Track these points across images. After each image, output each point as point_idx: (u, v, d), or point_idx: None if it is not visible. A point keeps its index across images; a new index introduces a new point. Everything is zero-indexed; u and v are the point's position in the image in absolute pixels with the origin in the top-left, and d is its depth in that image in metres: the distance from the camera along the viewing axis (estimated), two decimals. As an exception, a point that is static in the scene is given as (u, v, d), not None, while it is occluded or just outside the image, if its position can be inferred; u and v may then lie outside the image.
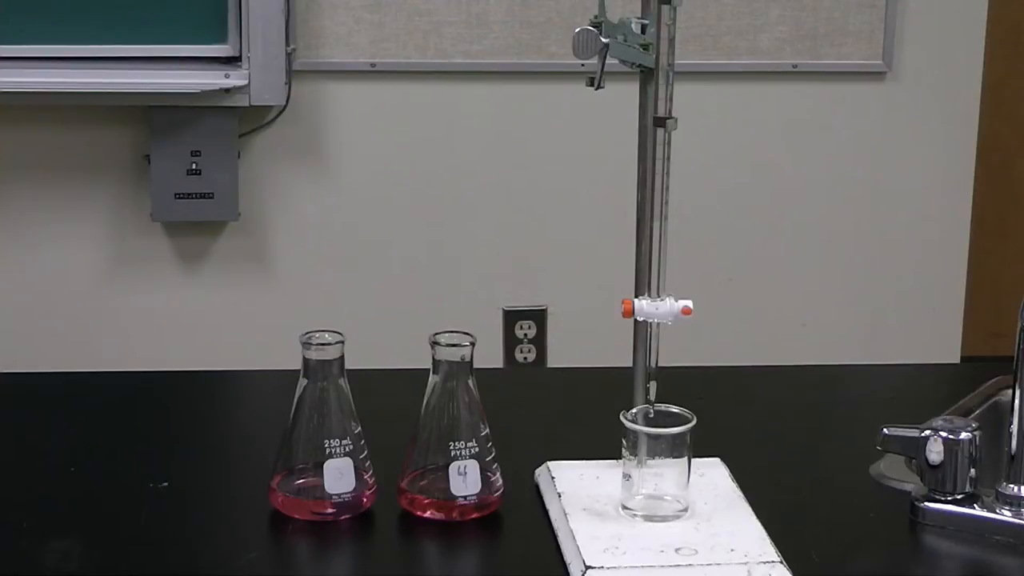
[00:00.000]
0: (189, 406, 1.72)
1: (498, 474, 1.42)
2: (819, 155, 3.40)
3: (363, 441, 1.41)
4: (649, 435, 1.39)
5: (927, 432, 1.42)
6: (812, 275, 3.46)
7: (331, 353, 1.40)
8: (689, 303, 1.42)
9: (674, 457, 1.39)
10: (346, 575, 1.40)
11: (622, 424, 1.39)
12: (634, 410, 1.41)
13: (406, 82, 3.29)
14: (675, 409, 1.40)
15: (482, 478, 1.40)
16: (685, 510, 1.39)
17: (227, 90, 3.18)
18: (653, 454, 1.39)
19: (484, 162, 3.35)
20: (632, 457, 1.39)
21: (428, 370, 1.41)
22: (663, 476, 1.39)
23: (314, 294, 3.34)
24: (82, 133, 3.29)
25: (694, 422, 1.39)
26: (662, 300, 1.43)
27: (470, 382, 1.41)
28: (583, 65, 1.44)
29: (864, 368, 1.81)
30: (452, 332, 1.42)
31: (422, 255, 3.37)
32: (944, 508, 1.42)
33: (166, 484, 1.47)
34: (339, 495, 1.39)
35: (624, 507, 1.39)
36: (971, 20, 3.46)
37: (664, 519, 1.38)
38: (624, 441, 1.40)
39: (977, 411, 1.66)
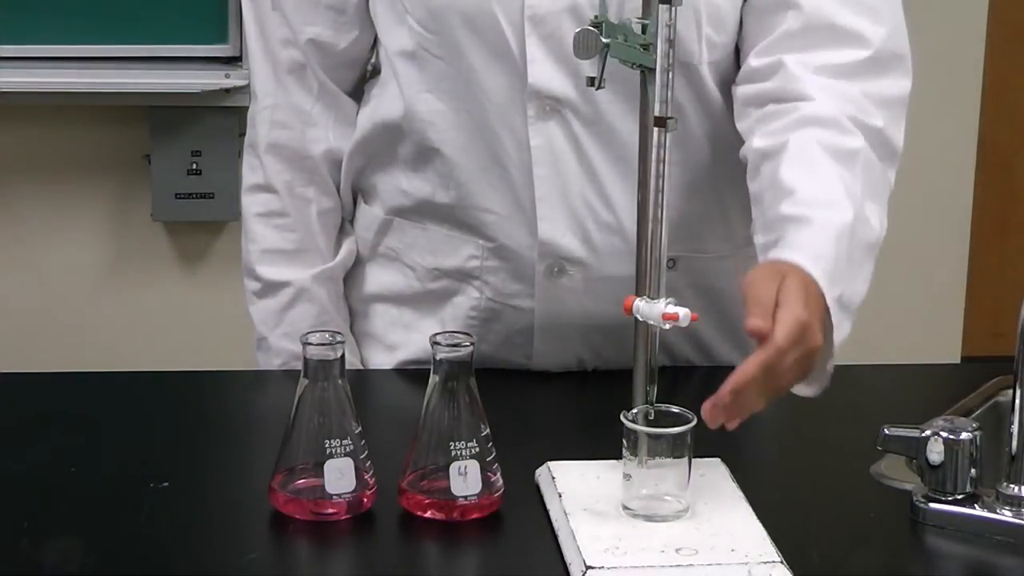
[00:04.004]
0: (189, 406, 1.72)
1: (498, 474, 1.42)
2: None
3: (363, 441, 1.41)
4: (649, 435, 1.39)
5: (927, 432, 1.42)
6: (812, 275, 3.45)
7: (331, 353, 1.40)
8: (679, 311, 1.41)
9: (674, 457, 1.39)
10: (346, 575, 1.40)
11: (622, 424, 1.39)
12: (634, 410, 1.41)
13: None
14: (675, 409, 1.40)
15: (482, 478, 1.40)
16: (685, 510, 1.39)
17: (227, 90, 3.18)
18: (653, 454, 1.39)
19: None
20: (632, 457, 1.39)
21: (428, 370, 1.41)
22: (663, 476, 1.39)
23: (314, 294, 3.34)
24: (82, 133, 3.29)
25: (694, 422, 1.39)
26: (657, 302, 1.43)
27: (470, 382, 1.41)
28: (583, 65, 1.44)
29: (864, 368, 1.81)
30: (452, 332, 1.42)
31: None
32: (944, 508, 1.42)
33: (166, 484, 1.47)
34: (339, 495, 1.39)
35: (624, 507, 1.39)
36: (971, 20, 3.46)
37: (664, 519, 1.38)
38: (625, 441, 1.40)
39: (977, 411, 1.66)
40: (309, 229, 1.79)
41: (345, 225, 1.82)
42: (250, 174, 1.81)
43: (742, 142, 1.68)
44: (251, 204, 1.81)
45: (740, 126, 1.65)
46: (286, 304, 1.79)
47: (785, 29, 1.62)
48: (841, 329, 1.48)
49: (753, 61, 1.64)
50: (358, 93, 1.80)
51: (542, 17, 1.62)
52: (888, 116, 1.62)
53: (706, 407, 1.35)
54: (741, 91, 1.65)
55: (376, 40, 1.77)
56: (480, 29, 1.63)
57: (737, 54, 1.68)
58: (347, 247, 1.81)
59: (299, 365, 1.41)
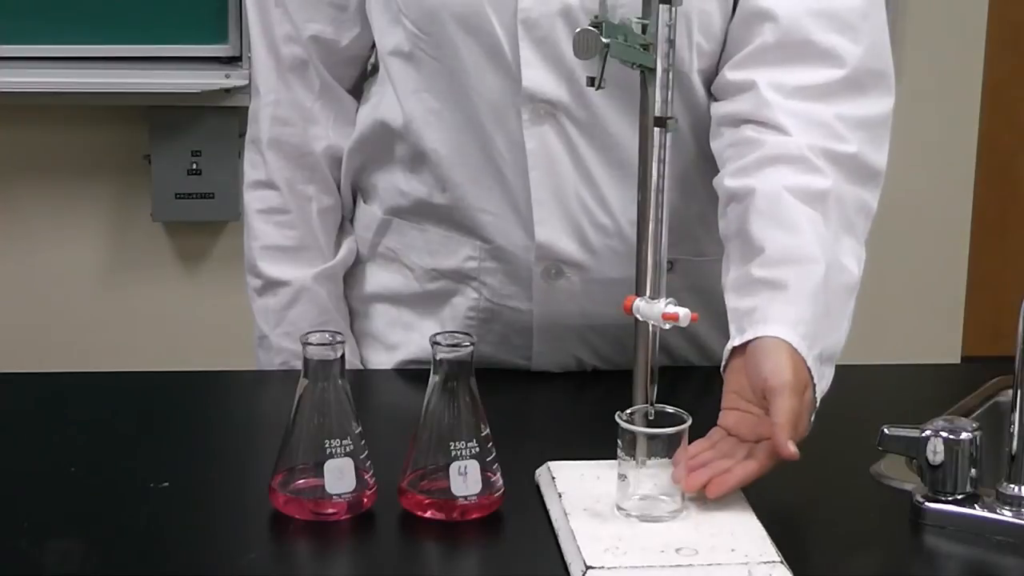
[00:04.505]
0: (189, 406, 1.72)
1: (498, 474, 1.42)
2: (819, 155, 3.40)
3: (363, 441, 1.41)
4: (645, 435, 1.39)
5: (927, 432, 1.42)
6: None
7: (331, 353, 1.40)
8: (679, 311, 1.41)
9: (670, 457, 1.39)
10: (346, 575, 1.40)
11: (618, 424, 1.39)
12: (629, 410, 1.41)
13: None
14: (670, 409, 1.40)
15: (482, 478, 1.40)
16: (680, 511, 1.39)
17: (227, 90, 3.18)
18: (649, 454, 1.39)
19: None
20: (628, 458, 1.39)
21: (428, 370, 1.41)
22: (659, 477, 1.39)
23: (314, 294, 3.34)
24: (82, 133, 3.29)
25: (689, 422, 1.39)
26: (657, 302, 1.43)
27: (470, 382, 1.41)
28: (583, 65, 1.44)
29: (864, 368, 1.81)
30: (452, 332, 1.42)
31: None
32: (944, 508, 1.42)
33: (166, 484, 1.47)
34: (339, 495, 1.39)
35: (619, 507, 1.39)
36: (971, 20, 3.46)
37: (659, 519, 1.38)
38: (620, 441, 1.39)
39: (977, 411, 1.66)
40: (310, 226, 1.79)
41: (345, 224, 1.83)
42: (252, 170, 1.81)
43: None
44: (253, 200, 1.81)
45: (713, 145, 1.64)
46: (286, 303, 1.79)
47: (761, 42, 1.61)
48: (823, 381, 1.50)
49: (728, 74, 1.63)
50: (359, 91, 1.80)
51: (535, 20, 1.61)
52: (865, 138, 1.60)
53: (696, 482, 1.40)
54: (716, 109, 1.64)
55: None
56: (474, 31, 1.63)
57: None
58: (347, 246, 1.81)
59: (299, 364, 1.41)
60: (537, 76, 1.63)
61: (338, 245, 1.82)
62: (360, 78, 1.81)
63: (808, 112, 1.58)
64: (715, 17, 1.63)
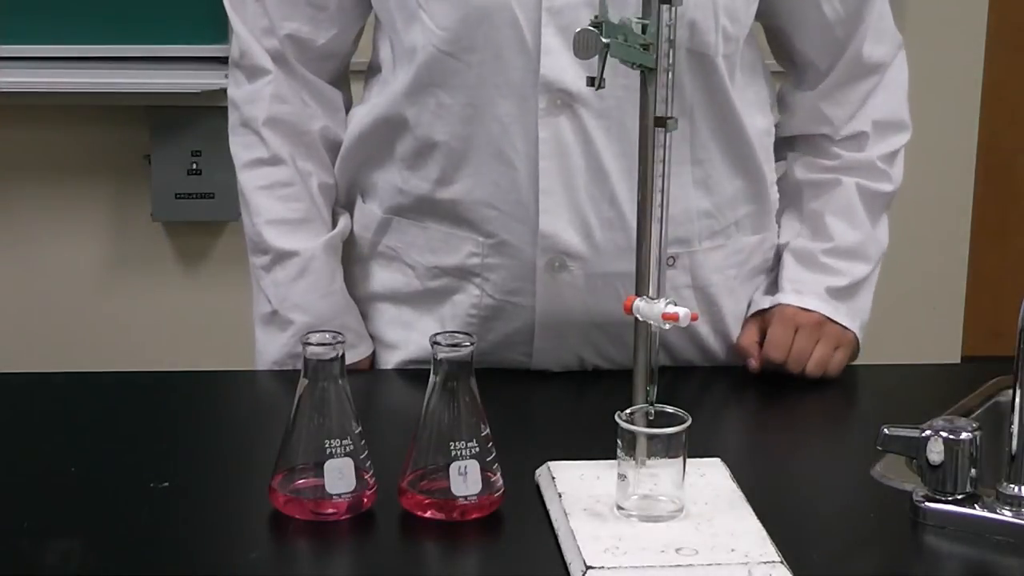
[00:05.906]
0: (189, 406, 1.72)
1: (498, 474, 1.42)
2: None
3: (363, 441, 1.41)
4: (645, 435, 1.39)
5: (927, 432, 1.42)
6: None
7: (331, 353, 1.40)
8: (679, 311, 1.42)
9: (669, 457, 1.39)
10: (346, 575, 1.40)
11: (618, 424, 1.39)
12: (629, 410, 1.41)
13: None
14: (670, 409, 1.40)
15: (482, 478, 1.40)
16: (680, 510, 1.39)
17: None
18: (649, 454, 1.39)
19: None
20: (628, 458, 1.39)
21: (428, 370, 1.41)
22: (658, 476, 1.39)
23: (314, 294, 3.33)
24: (82, 133, 3.29)
25: (689, 422, 1.39)
26: (657, 302, 1.43)
27: (470, 382, 1.41)
28: (583, 65, 1.44)
29: (864, 368, 1.81)
30: (452, 332, 1.42)
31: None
32: (944, 508, 1.42)
33: (166, 484, 1.47)
34: (339, 495, 1.39)
35: (619, 507, 1.39)
36: (971, 20, 3.46)
37: (659, 519, 1.38)
38: (620, 441, 1.39)
39: (977, 411, 1.66)
40: (312, 200, 1.80)
41: (336, 207, 1.84)
42: (247, 151, 1.82)
43: (747, 136, 1.73)
44: (253, 178, 1.82)
45: (783, 117, 1.84)
46: (296, 274, 1.79)
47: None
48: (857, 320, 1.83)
49: (834, 115, 1.84)
50: (338, 82, 1.82)
51: (559, 9, 1.62)
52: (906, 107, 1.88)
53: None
54: (806, 115, 1.84)
55: (376, 37, 1.78)
56: (496, 24, 1.63)
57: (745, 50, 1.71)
58: (343, 220, 1.82)
59: (308, 337, 1.40)
60: (557, 65, 1.63)
61: (334, 219, 1.83)
62: (339, 71, 1.82)
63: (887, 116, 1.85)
64: (739, 1, 1.65)
